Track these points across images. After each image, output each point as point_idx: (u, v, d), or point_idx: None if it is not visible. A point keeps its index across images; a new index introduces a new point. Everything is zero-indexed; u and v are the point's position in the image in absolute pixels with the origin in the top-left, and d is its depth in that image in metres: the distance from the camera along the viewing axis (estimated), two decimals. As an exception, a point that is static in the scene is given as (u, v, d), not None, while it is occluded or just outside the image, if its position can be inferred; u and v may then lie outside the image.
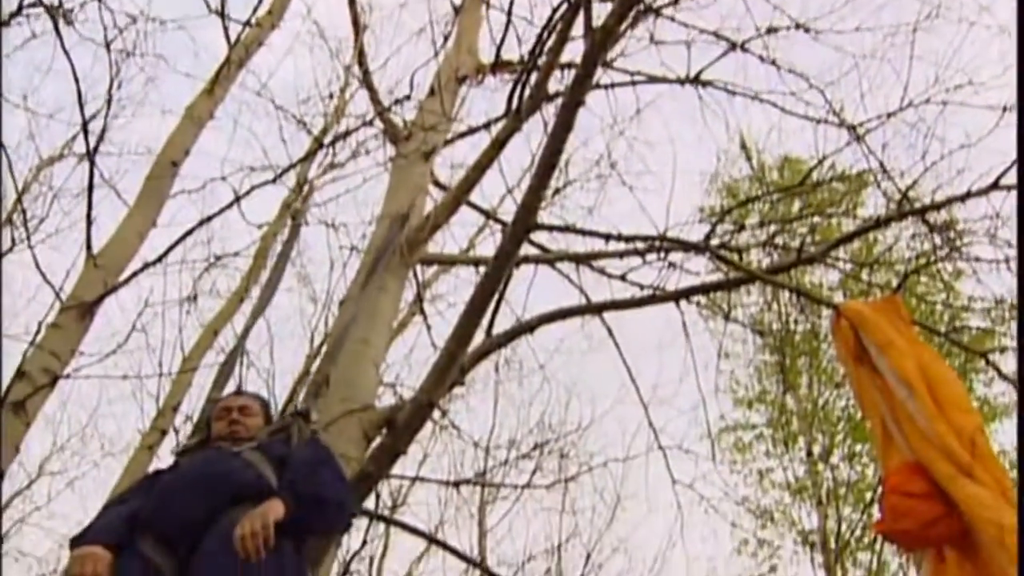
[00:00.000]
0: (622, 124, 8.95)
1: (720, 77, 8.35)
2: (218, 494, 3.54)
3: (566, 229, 7.32)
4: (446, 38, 8.38)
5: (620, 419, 18.62)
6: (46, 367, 5.89)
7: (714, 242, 6.76)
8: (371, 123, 7.97)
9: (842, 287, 13.67)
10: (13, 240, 10.40)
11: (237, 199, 6.88)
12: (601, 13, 4.68)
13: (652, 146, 9.33)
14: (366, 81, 7.97)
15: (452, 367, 4.90)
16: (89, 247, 6.44)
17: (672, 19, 8.43)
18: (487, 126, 7.92)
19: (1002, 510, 3.62)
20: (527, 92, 6.07)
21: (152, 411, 10.37)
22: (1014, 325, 8.79)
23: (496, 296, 5.25)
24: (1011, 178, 6.06)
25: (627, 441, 21.99)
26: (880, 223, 6.79)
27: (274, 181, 7.33)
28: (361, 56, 8.13)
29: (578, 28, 5.38)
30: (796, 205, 9.89)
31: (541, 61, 6.12)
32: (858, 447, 15.99)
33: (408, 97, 7.63)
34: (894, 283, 7.12)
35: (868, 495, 15.04)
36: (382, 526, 13.20)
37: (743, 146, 12.05)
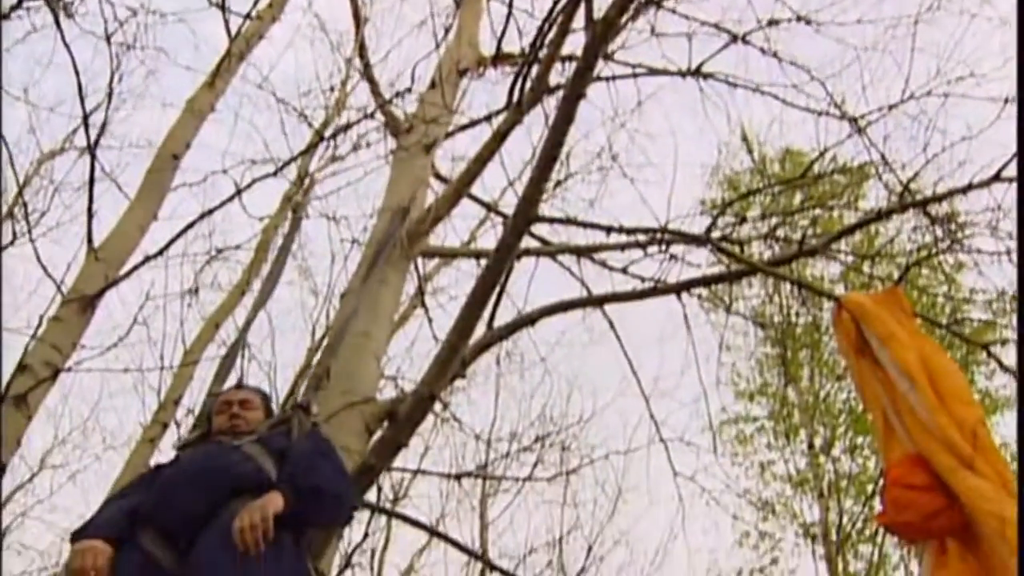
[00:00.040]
0: (623, 116, 8.94)
1: (721, 69, 8.34)
2: (218, 487, 3.54)
3: (567, 222, 7.31)
4: (447, 31, 8.38)
5: (621, 412, 18.69)
6: (47, 360, 5.90)
7: (715, 234, 6.75)
8: (372, 116, 7.97)
9: (843, 279, 13.67)
10: (14, 233, 10.40)
11: (238, 192, 6.89)
12: (602, 5, 4.66)
13: (653, 138, 9.33)
14: (367, 74, 7.96)
15: (453, 360, 4.90)
16: (90, 240, 6.44)
17: (673, 11, 8.42)
18: (488, 119, 7.90)
19: (1003, 502, 3.62)
20: (528, 84, 6.06)
21: (153, 404, 10.38)
22: (1015, 317, 8.79)
23: (497, 289, 5.25)
24: (1012, 170, 6.05)
25: (628, 434, 22.10)
26: (881, 215, 6.78)
27: (275, 174, 7.34)
28: (362, 49, 8.13)
29: (579, 20, 5.36)
30: (797, 197, 9.89)
31: (542, 53, 6.10)
32: (859, 439, 15.99)
33: (409, 90, 7.64)
34: (895, 275, 7.12)
35: (869, 487, 15.06)
36: (384, 519, 13.24)
37: (744, 138, 12.04)
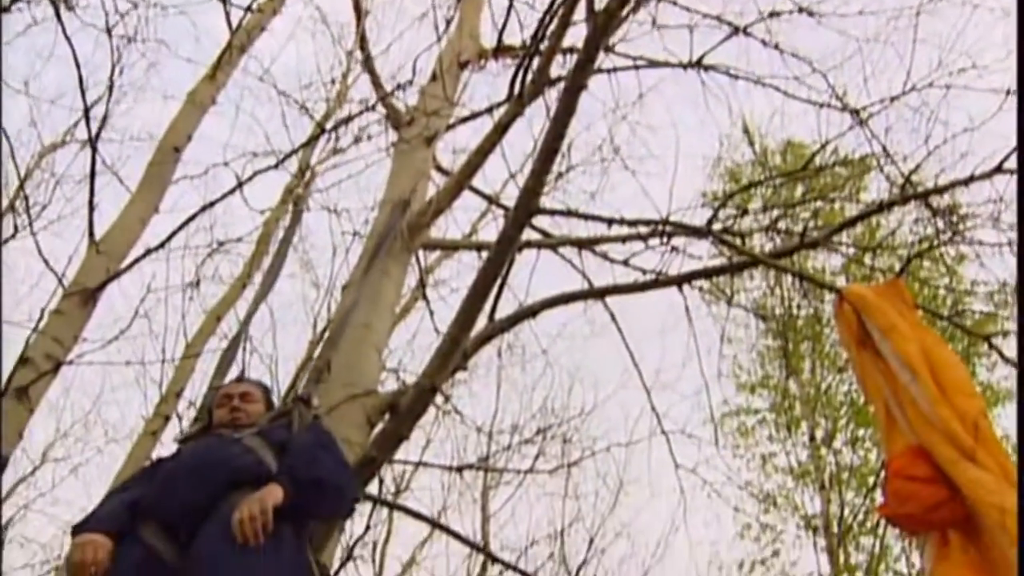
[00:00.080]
0: (624, 109, 8.93)
1: (723, 61, 8.33)
2: (218, 480, 3.55)
3: (569, 213, 7.31)
4: (448, 23, 8.36)
5: (623, 404, 18.66)
6: (49, 353, 5.91)
7: (717, 227, 6.76)
8: (373, 108, 7.95)
9: (845, 271, 13.65)
10: (16, 227, 10.40)
11: (239, 185, 6.89)
12: (603, -3, 4.66)
13: (655, 131, 9.31)
14: (368, 66, 7.95)
15: (455, 352, 4.90)
16: (91, 233, 6.45)
17: (674, 3, 8.42)
18: (489, 111, 7.91)
19: (1005, 494, 3.62)
20: (529, 77, 6.05)
21: (155, 397, 10.38)
22: (1016, 308, 8.78)
23: (499, 281, 5.24)
24: (1014, 162, 6.05)
25: (630, 426, 21.92)
26: (883, 207, 6.79)
27: (276, 167, 7.35)
28: (363, 41, 8.12)
29: (580, 12, 5.37)
30: (799, 189, 9.87)
31: (543, 46, 6.10)
32: (861, 432, 16.00)
33: (410, 82, 7.62)
34: (897, 267, 7.12)
35: (871, 480, 15.05)
36: (385, 511, 13.24)
37: (745, 131, 12.00)
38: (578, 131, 9.75)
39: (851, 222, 6.88)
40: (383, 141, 7.83)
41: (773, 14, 8.38)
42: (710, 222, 6.71)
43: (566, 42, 6.46)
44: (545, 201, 6.98)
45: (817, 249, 7.54)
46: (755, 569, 16.53)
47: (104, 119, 7.12)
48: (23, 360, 5.79)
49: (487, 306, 5.40)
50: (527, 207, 4.80)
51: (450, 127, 7.85)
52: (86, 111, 6.76)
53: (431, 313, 8.14)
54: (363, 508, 8.91)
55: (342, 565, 9.05)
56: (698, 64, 8.22)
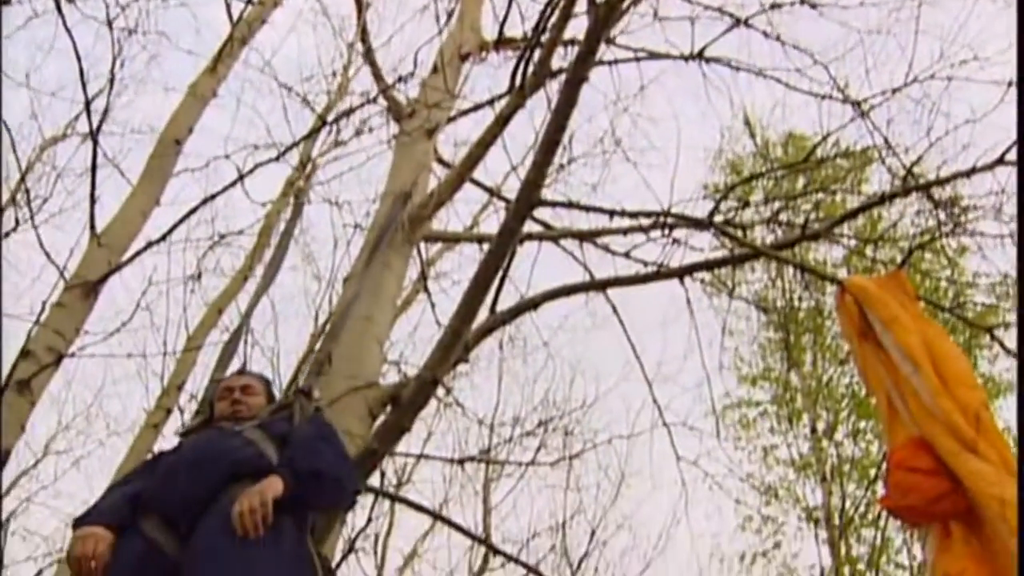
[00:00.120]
0: (626, 101, 8.93)
1: (724, 53, 8.32)
2: (218, 473, 3.55)
3: (570, 205, 7.30)
4: (449, 15, 8.35)
5: (624, 396, 18.64)
6: (51, 346, 5.91)
7: (718, 219, 6.74)
8: (374, 101, 7.95)
9: (846, 263, 13.66)
10: (17, 220, 10.40)
11: (240, 177, 6.88)
12: (604, -11, 4.65)
13: (656, 123, 9.32)
14: (369, 59, 7.94)
15: (456, 344, 4.91)
16: (93, 226, 6.45)
17: (676, -6, 8.41)
18: (491, 103, 7.89)
19: (1006, 486, 3.62)
20: (531, 69, 6.06)
21: (157, 390, 10.39)
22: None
23: (500, 273, 5.25)
24: (1015, 154, 6.04)
25: (631, 418, 21.97)
26: (884, 199, 6.77)
27: (277, 159, 7.33)
28: (364, 33, 8.11)
29: (581, 4, 5.37)
30: (800, 181, 9.87)
31: (544, 38, 6.09)
32: (862, 424, 15.99)
33: (411, 74, 7.62)
34: (898, 259, 7.11)
35: (872, 472, 15.05)
36: (387, 503, 13.26)
37: (747, 122, 12.03)
38: (579, 123, 9.81)
39: (852, 214, 6.87)
40: (384, 133, 7.83)
41: (774, 6, 8.37)
42: (711, 214, 6.70)
43: (567, 34, 6.46)
44: (546, 193, 6.97)
45: (819, 241, 7.54)
46: (756, 561, 16.54)
47: (105, 112, 7.13)
48: (25, 353, 5.79)
49: (488, 298, 5.41)
50: (528, 199, 4.80)
51: (451, 119, 7.85)
52: (87, 104, 6.75)
53: (432, 305, 8.16)
54: (365, 500, 8.92)
55: (344, 557, 9.05)
56: (699, 56, 8.21)
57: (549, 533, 15.72)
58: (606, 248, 6.98)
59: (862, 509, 15.15)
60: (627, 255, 6.88)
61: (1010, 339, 7.14)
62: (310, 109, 9.91)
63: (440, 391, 8.29)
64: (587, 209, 7.17)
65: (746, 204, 7.89)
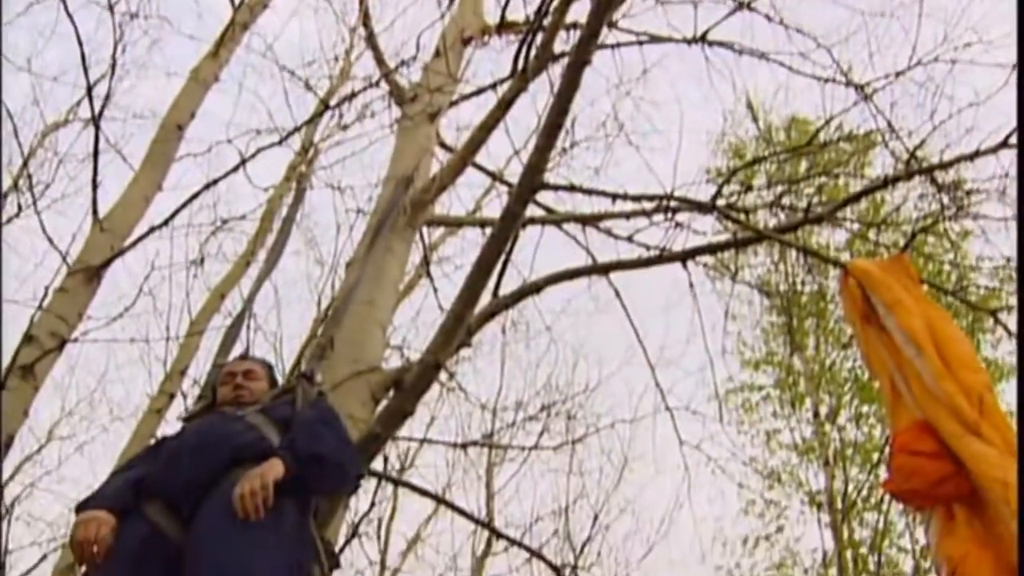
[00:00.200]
0: (628, 84, 8.91)
1: (727, 37, 8.29)
2: (220, 456, 3.55)
3: (572, 189, 7.29)
4: (451, -1, 8.34)
5: (627, 380, 18.66)
6: (54, 331, 5.92)
7: (721, 202, 6.74)
8: (376, 85, 7.94)
9: (849, 247, 13.66)
10: (19, 206, 10.42)
11: (243, 162, 6.88)
12: (606, -28, 4.64)
13: (658, 106, 9.30)
14: (371, 43, 7.93)
15: (459, 328, 4.90)
16: (95, 212, 6.45)
17: (679, -22, 8.37)
18: (493, 87, 7.88)
19: (1008, 468, 3.63)
20: (533, 52, 6.04)
21: (160, 375, 10.39)
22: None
23: (503, 257, 5.25)
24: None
25: (634, 402, 22.07)
26: (888, 183, 6.76)
27: (280, 144, 7.32)
28: (366, 18, 8.09)
29: (584, -12, 5.35)
30: (803, 165, 9.87)
31: (546, 21, 6.08)
32: (865, 408, 16.02)
33: (414, 58, 7.60)
34: (901, 243, 7.10)
35: (875, 456, 15.08)
36: (391, 488, 13.28)
37: (750, 106, 11.96)
38: (582, 107, 9.75)
39: (856, 197, 6.86)
40: (386, 118, 7.81)
41: (778, -11, 8.34)
42: (714, 198, 6.70)
43: (569, 17, 6.44)
44: (549, 177, 6.97)
45: (822, 225, 7.52)
46: (759, 545, 16.60)
47: (107, 97, 7.11)
48: (28, 338, 5.80)
49: (491, 282, 5.40)
50: (531, 183, 4.79)
51: (453, 103, 7.84)
52: (89, 89, 6.75)
53: (435, 290, 8.16)
54: (368, 485, 8.94)
55: (347, 542, 9.07)
56: (702, 39, 8.19)
57: (552, 517, 15.76)
58: (609, 232, 6.97)
59: (865, 493, 15.19)
60: (630, 239, 6.87)
61: (1012, 322, 7.14)
62: (312, 94, 9.87)
63: (443, 375, 8.30)
64: (590, 193, 7.16)
65: (749, 188, 7.87)
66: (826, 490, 15.38)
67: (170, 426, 9.39)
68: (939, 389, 3.94)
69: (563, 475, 15.77)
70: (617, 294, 6.73)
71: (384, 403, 4.97)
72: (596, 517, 15.65)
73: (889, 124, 7.59)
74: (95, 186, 6.42)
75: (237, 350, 4.90)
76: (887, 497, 13.27)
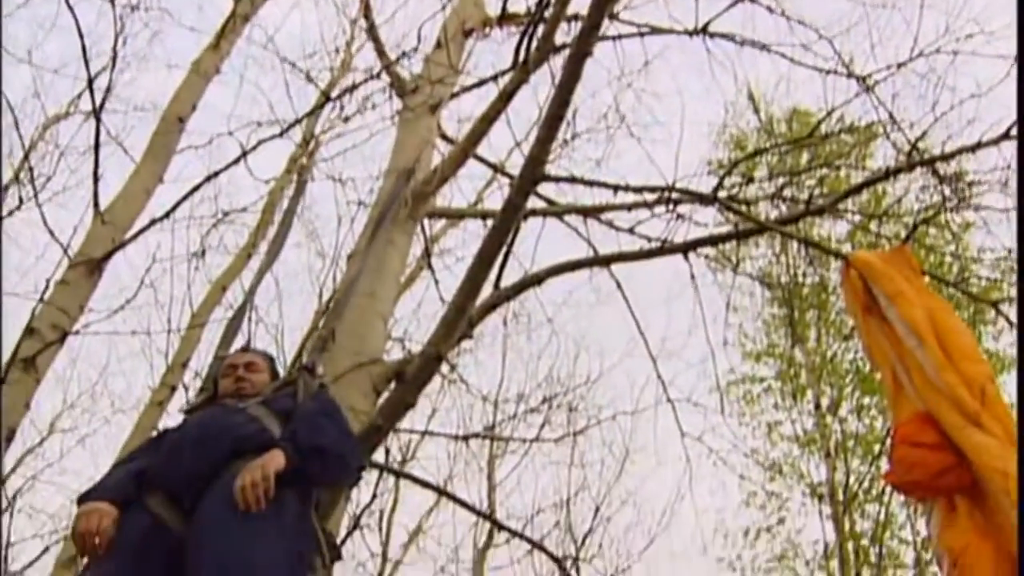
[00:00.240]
0: (630, 76, 8.89)
1: (728, 28, 8.27)
2: (221, 448, 3.55)
3: (574, 180, 7.28)
4: (453, -9, 8.32)
5: (629, 372, 18.72)
6: (55, 323, 5.92)
7: (722, 194, 6.73)
8: (378, 77, 7.92)
9: (851, 239, 13.63)
10: (21, 198, 10.43)
11: (244, 154, 6.88)
12: (608, -37, 4.63)
13: (660, 98, 9.29)
14: (372, 34, 7.92)
15: (460, 320, 4.90)
16: (96, 204, 6.45)
17: (680, -30, 8.35)
18: (494, 79, 7.87)
19: (1009, 459, 3.63)
20: (534, 44, 6.04)
21: (161, 367, 10.42)
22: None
23: (504, 249, 5.24)
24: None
25: (636, 394, 22.11)
26: (889, 174, 6.75)
27: (281, 135, 7.33)
28: (367, 9, 8.07)
29: (585, -21, 5.33)
30: (805, 157, 9.85)
31: (548, 13, 6.08)
32: (866, 400, 16.03)
33: (415, 50, 7.59)
34: (903, 234, 7.10)
35: (876, 447, 15.07)
36: (392, 480, 13.30)
37: (751, 98, 11.94)
38: (583, 98, 9.75)
39: (857, 189, 6.86)
40: (388, 110, 7.80)
41: (779, -20, 8.33)
42: (716, 189, 6.69)
43: (571, 9, 6.43)
44: (550, 169, 6.95)
45: (823, 216, 7.54)
46: (760, 536, 16.62)
47: (108, 89, 7.11)
48: (29, 331, 5.81)
49: (492, 274, 5.40)
50: (532, 175, 4.79)
51: (455, 95, 7.83)
52: (90, 81, 6.75)
53: (436, 282, 8.16)
54: (370, 477, 8.96)
55: (349, 533, 9.09)
56: (703, 31, 8.17)
57: (553, 509, 15.78)
58: (610, 224, 6.97)
59: (866, 484, 15.20)
60: (631, 231, 6.87)
61: (1014, 314, 7.14)
62: (313, 85, 9.88)
63: (444, 367, 8.29)
64: (591, 184, 7.15)
65: (750, 179, 7.87)
66: (827, 482, 15.41)
67: (172, 418, 9.43)
68: (940, 380, 3.93)
69: (564, 467, 15.80)
70: (619, 286, 6.73)
71: (386, 395, 4.97)
72: (597, 509, 15.68)
73: (891, 115, 7.58)
74: (96, 178, 6.42)
75: (239, 342, 4.91)
76: (888, 489, 13.29)
